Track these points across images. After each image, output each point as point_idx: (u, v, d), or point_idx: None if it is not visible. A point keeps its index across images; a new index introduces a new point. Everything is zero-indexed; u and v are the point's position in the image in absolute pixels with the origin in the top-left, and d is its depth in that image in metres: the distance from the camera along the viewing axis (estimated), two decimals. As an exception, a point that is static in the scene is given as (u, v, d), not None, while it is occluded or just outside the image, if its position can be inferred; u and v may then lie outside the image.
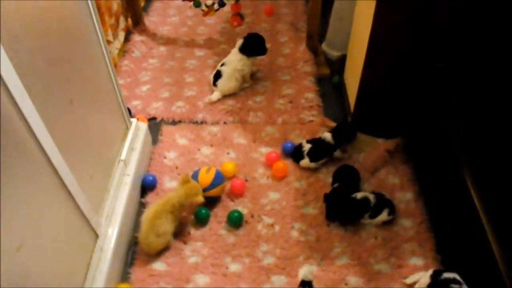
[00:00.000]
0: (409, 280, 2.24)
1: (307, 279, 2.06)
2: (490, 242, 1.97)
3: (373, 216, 2.40)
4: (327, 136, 2.71)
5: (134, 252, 2.42)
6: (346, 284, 2.25)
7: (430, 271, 2.13)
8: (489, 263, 1.95)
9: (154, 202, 2.44)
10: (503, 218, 1.95)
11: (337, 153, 2.74)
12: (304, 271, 2.08)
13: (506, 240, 1.91)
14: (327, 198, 2.46)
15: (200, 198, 2.39)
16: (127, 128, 2.65)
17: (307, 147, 2.70)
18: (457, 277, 2.02)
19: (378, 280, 2.25)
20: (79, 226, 2.01)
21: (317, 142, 2.72)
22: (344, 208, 2.42)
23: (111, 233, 2.25)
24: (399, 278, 2.25)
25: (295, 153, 2.78)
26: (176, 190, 2.41)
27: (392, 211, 2.43)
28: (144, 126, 2.80)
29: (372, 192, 2.48)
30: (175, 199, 2.35)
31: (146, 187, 2.69)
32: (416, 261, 2.32)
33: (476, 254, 2.09)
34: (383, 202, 2.42)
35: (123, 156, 2.50)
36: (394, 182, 2.65)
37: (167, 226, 2.33)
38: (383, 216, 2.40)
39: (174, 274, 2.32)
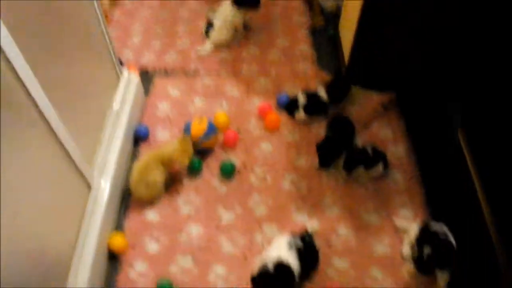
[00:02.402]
0: (397, 222, 2.29)
1: (313, 231, 2.12)
2: (478, 196, 2.00)
3: (368, 168, 2.42)
4: (322, 93, 2.69)
5: (128, 202, 2.44)
6: (336, 234, 2.29)
7: (419, 223, 2.17)
8: (476, 216, 1.99)
9: (146, 153, 2.44)
10: (492, 173, 1.97)
11: (331, 111, 2.73)
12: (313, 225, 2.14)
13: (494, 194, 1.94)
14: (320, 147, 2.46)
15: (186, 160, 2.38)
16: (119, 79, 2.61)
17: (302, 100, 2.68)
18: (445, 228, 2.05)
19: (368, 231, 2.29)
20: (72, 178, 2.01)
21: (312, 98, 2.70)
22: (338, 155, 2.43)
23: (104, 184, 2.26)
24: (389, 229, 2.30)
25: (289, 106, 2.76)
26: (170, 145, 2.40)
27: (386, 164, 2.45)
28: (136, 77, 2.76)
29: (368, 145, 2.49)
30: (166, 152, 2.35)
31: (139, 138, 2.68)
32: (406, 213, 2.36)
33: (465, 208, 2.13)
34: (379, 155, 2.44)
35: (115, 107, 2.48)
36: (387, 136, 2.66)
37: (158, 176, 2.34)
38: (378, 169, 2.42)
39: (167, 224, 2.35)
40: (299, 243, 1.98)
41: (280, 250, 1.94)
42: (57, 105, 1.76)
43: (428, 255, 1.91)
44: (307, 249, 2.00)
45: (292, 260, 1.91)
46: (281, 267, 1.87)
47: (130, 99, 2.62)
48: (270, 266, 1.87)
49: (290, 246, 1.96)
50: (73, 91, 2.01)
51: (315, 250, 2.09)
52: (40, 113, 1.67)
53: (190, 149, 2.40)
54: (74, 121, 1.98)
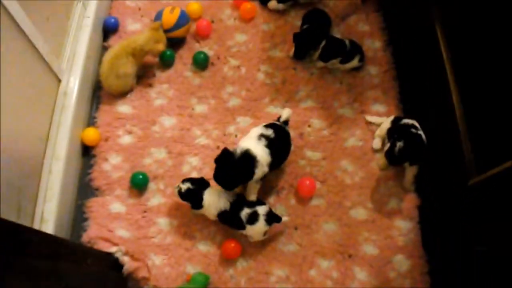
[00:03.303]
0: (369, 118, 2.31)
1: (287, 119, 2.12)
2: (451, 91, 2.00)
3: (345, 61, 2.38)
4: None
5: (99, 97, 2.39)
6: (309, 126, 2.31)
7: (391, 117, 2.20)
8: (448, 111, 2.01)
9: (116, 43, 2.34)
10: (467, 70, 1.96)
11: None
12: (289, 112, 2.12)
13: (467, 91, 1.95)
14: (297, 37, 2.39)
15: (161, 46, 2.30)
16: (84, -36, 2.43)
17: None
18: (416, 123, 2.09)
19: (340, 124, 2.32)
20: (39, 71, 1.95)
21: None
22: (314, 47, 2.38)
23: (74, 78, 2.20)
24: (361, 122, 2.33)
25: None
26: (141, 34, 2.30)
27: (362, 57, 2.41)
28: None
29: (346, 38, 2.42)
30: (137, 42, 2.26)
31: (108, 29, 2.56)
32: (379, 107, 2.38)
33: (437, 106, 2.14)
34: (356, 49, 2.39)
35: (80, -3, 2.34)
36: (364, 29, 2.60)
37: (128, 67, 2.27)
38: (354, 62, 2.39)
39: (140, 116, 2.32)
40: (271, 133, 1.98)
41: (250, 141, 1.96)
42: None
43: (399, 148, 1.94)
44: (279, 138, 2.01)
45: (260, 151, 1.92)
46: (247, 155, 1.90)
47: (96, -11, 2.47)
48: (238, 152, 1.91)
49: (260, 137, 1.96)
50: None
51: (287, 138, 2.09)
52: (3, 6, 1.59)
53: (163, 36, 2.31)
54: (38, 12, 1.88)
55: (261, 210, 1.95)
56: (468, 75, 1.96)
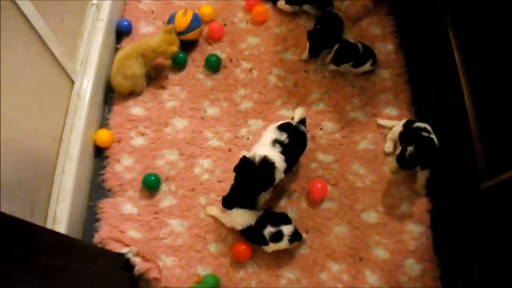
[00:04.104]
0: (381, 122, 2.31)
1: (303, 117, 2.12)
2: (463, 94, 1.99)
3: (357, 65, 2.38)
4: None
5: (112, 98, 2.40)
6: (321, 129, 2.31)
7: (403, 120, 2.19)
8: (460, 114, 1.99)
9: (128, 44, 2.37)
10: (480, 74, 1.95)
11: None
12: (302, 111, 2.11)
13: (480, 96, 1.93)
14: (311, 34, 2.39)
15: (174, 48, 2.31)
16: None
17: None
18: (428, 127, 2.08)
19: (352, 127, 2.31)
20: (53, 73, 1.97)
21: None
22: (328, 45, 2.38)
23: (87, 79, 2.22)
24: (373, 126, 2.32)
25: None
26: (154, 35, 2.32)
27: (375, 62, 2.41)
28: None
29: (359, 42, 2.42)
30: (150, 44, 2.27)
31: (121, 32, 2.58)
32: (391, 111, 2.37)
33: (449, 106, 2.13)
34: (368, 53, 2.39)
35: (95, 0, 2.36)
36: (376, 33, 2.60)
37: (136, 68, 2.29)
38: (366, 66, 2.39)
39: (152, 118, 2.33)
40: (285, 138, 1.96)
41: (265, 148, 1.94)
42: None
43: (410, 152, 1.94)
44: (293, 141, 1.99)
45: (276, 157, 1.91)
46: (266, 162, 1.89)
47: (110, -8, 2.50)
48: (257, 159, 1.89)
49: (274, 143, 1.95)
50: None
51: (303, 139, 2.06)
52: (17, 7, 1.60)
53: (176, 38, 2.32)
54: (52, 14, 1.90)
55: (286, 230, 1.94)
56: (480, 78, 1.94)
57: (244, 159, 1.91)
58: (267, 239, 1.93)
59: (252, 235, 1.97)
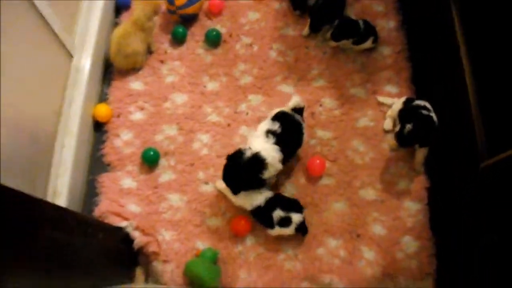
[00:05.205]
0: (381, 99, 2.30)
1: (299, 106, 2.07)
2: (464, 72, 1.98)
3: (358, 42, 2.36)
4: None
5: (111, 73, 2.39)
6: (321, 105, 2.30)
7: (403, 98, 2.18)
8: (460, 93, 1.99)
9: (124, 21, 2.35)
10: (482, 53, 1.93)
11: None
12: (297, 99, 2.06)
13: (481, 74, 1.92)
14: (312, 9, 2.37)
15: (158, 6, 2.29)
16: None
17: None
18: (428, 105, 2.07)
19: (352, 104, 2.31)
20: (52, 48, 1.96)
21: None
22: (329, 21, 2.36)
23: (86, 54, 2.21)
24: (373, 103, 2.31)
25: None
26: (136, 6, 2.29)
27: (376, 39, 2.39)
28: None
29: (360, 19, 2.39)
30: (138, 13, 2.25)
31: (120, 6, 2.55)
32: (391, 88, 2.36)
33: (450, 85, 2.12)
34: (370, 30, 2.36)
35: (94, -26, 2.33)
36: (378, 10, 2.56)
37: (137, 45, 2.28)
38: (368, 43, 2.37)
39: (152, 93, 2.33)
40: (277, 127, 1.94)
41: (259, 141, 1.93)
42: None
43: (409, 129, 1.94)
44: (288, 130, 1.97)
45: (270, 151, 1.90)
46: (255, 160, 1.87)
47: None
48: (247, 155, 1.88)
49: (267, 134, 1.94)
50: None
51: (298, 127, 2.04)
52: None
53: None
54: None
55: (296, 218, 1.95)
56: (482, 56, 1.93)
57: (237, 152, 1.90)
58: (274, 222, 1.94)
59: (260, 216, 1.98)
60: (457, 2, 2.09)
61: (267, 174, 1.91)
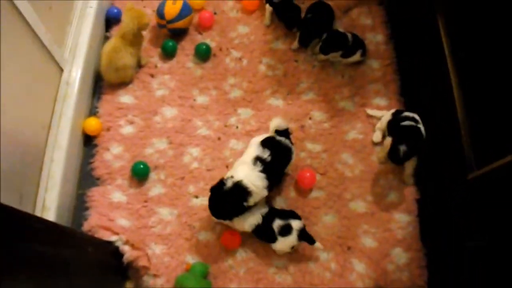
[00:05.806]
0: (370, 112, 2.32)
1: (281, 128, 2.07)
2: (452, 85, 2.01)
3: (347, 55, 2.38)
4: None
5: (101, 87, 2.39)
6: (310, 118, 2.32)
7: (392, 110, 2.20)
8: (448, 105, 2.01)
9: (113, 35, 2.35)
10: (469, 64, 1.96)
11: None
12: (277, 121, 2.07)
13: (468, 86, 1.95)
14: (302, 23, 2.41)
15: (145, 20, 2.28)
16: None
17: None
18: (416, 116, 2.09)
19: (341, 117, 2.32)
20: (42, 60, 1.96)
21: None
22: (318, 35, 2.39)
23: (76, 67, 2.21)
24: (362, 115, 2.33)
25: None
26: (123, 19, 2.29)
27: (364, 52, 2.41)
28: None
29: (349, 32, 2.41)
30: (125, 27, 2.25)
31: (111, 20, 2.56)
32: (380, 101, 2.38)
33: (438, 97, 2.14)
34: (358, 43, 2.39)
35: (83, -12, 2.34)
36: (366, 23, 2.59)
37: (127, 59, 2.28)
38: (356, 56, 2.39)
39: (142, 106, 2.33)
40: (267, 156, 1.94)
41: (244, 168, 1.92)
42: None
43: (404, 150, 1.95)
44: (277, 158, 1.97)
45: (254, 179, 1.89)
46: (238, 188, 1.88)
47: (98, -20, 2.47)
48: (229, 183, 1.88)
49: (255, 161, 1.93)
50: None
51: (287, 153, 2.05)
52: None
53: (140, 11, 2.28)
54: (41, 1, 1.90)
55: (295, 224, 1.95)
56: (469, 70, 1.96)
57: (219, 182, 1.91)
58: (275, 233, 1.93)
59: (262, 232, 1.98)
60: (443, 16, 2.13)
61: (252, 201, 1.91)
